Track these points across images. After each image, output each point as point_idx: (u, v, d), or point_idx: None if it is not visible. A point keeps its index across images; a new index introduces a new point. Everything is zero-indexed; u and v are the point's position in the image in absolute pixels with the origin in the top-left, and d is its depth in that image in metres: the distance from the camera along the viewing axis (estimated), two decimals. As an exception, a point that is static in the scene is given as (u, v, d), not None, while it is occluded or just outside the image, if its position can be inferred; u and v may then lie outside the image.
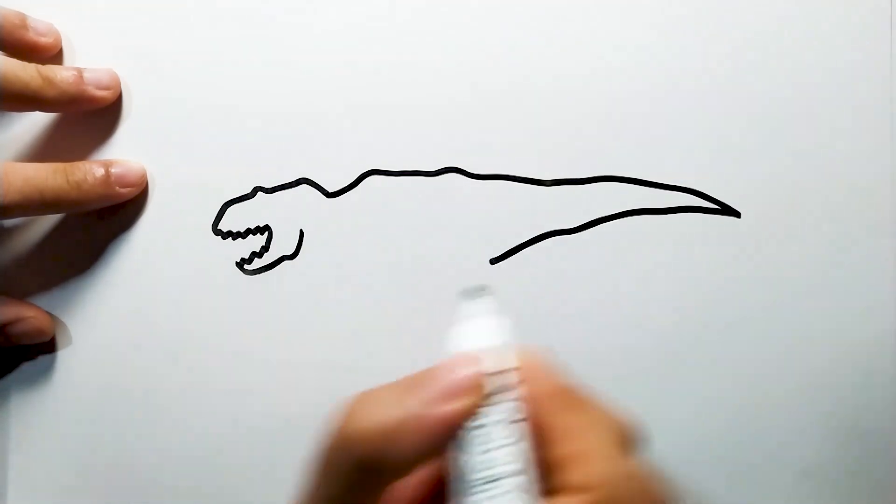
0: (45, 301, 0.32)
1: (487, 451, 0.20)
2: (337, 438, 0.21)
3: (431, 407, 0.21)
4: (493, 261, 0.31)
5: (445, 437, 0.21)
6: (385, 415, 0.21)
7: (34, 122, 0.32)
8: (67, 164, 0.30)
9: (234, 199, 0.32)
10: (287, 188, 0.32)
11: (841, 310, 0.31)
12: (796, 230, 0.31)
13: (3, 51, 0.30)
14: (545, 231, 0.31)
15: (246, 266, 0.32)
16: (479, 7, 0.31)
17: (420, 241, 0.31)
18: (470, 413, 0.21)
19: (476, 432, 0.21)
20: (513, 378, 0.22)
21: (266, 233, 0.32)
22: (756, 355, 0.31)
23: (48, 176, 0.29)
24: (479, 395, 0.21)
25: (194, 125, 0.32)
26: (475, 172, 0.31)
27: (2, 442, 0.32)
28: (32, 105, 0.30)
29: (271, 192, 0.32)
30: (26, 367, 0.32)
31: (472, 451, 0.20)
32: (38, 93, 0.29)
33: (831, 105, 0.31)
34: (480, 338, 0.23)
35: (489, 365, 0.22)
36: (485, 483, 0.20)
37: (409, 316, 0.31)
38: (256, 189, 0.32)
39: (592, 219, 0.31)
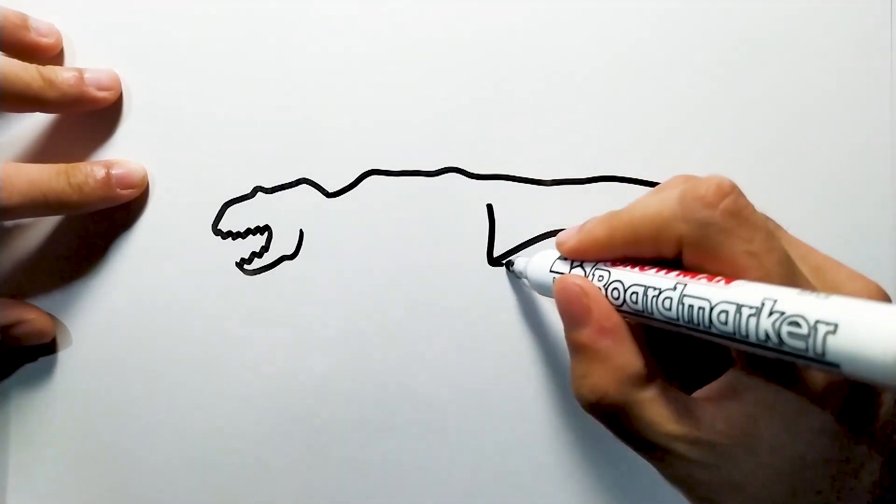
0: (45, 302, 0.32)
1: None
2: None
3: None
4: (493, 261, 0.31)
5: None
6: None
7: (35, 123, 0.32)
8: (69, 166, 0.30)
9: (234, 199, 0.32)
10: (287, 188, 0.32)
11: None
12: (796, 230, 0.31)
13: (4, 51, 0.30)
14: (545, 231, 0.31)
15: (246, 266, 0.32)
16: (478, 7, 0.31)
17: (420, 241, 0.31)
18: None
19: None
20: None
21: (266, 233, 0.32)
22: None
23: (51, 178, 0.29)
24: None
25: (194, 125, 0.32)
26: (475, 172, 0.31)
27: (2, 442, 0.32)
28: (33, 106, 0.30)
29: (271, 192, 0.32)
30: (27, 368, 0.32)
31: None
32: (39, 94, 0.29)
33: (831, 105, 0.31)
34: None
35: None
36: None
37: (409, 316, 0.31)
38: (256, 189, 0.32)
39: (592, 219, 0.31)
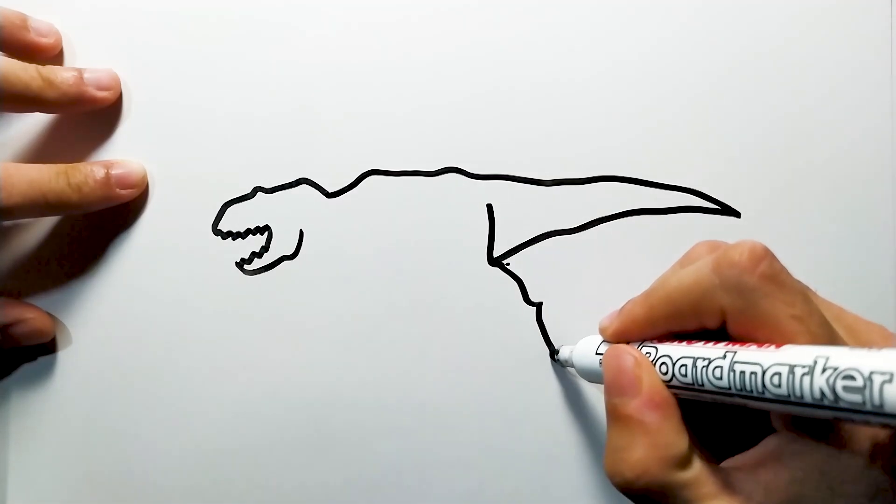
0: (45, 302, 0.32)
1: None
2: None
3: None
4: (493, 261, 0.31)
5: None
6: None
7: (34, 123, 0.32)
8: (69, 166, 0.30)
9: (234, 199, 0.32)
10: (287, 188, 0.32)
11: (841, 310, 0.31)
12: (796, 230, 0.31)
13: (3, 51, 0.30)
14: (545, 231, 0.31)
15: (246, 266, 0.32)
16: (478, 7, 0.31)
17: (420, 240, 0.31)
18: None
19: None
20: None
21: (266, 233, 0.32)
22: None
23: (51, 178, 0.29)
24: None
25: (194, 125, 0.32)
26: (475, 172, 0.31)
27: (2, 442, 0.32)
28: (33, 106, 0.30)
29: (271, 192, 0.32)
30: (26, 368, 0.32)
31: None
32: (38, 94, 0.29)
33: (831, 105, 0.31)
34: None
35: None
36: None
37: (409, 316, 0.31)
38: (256, 189, 0.32)
39: (592, 219, 0.31)
